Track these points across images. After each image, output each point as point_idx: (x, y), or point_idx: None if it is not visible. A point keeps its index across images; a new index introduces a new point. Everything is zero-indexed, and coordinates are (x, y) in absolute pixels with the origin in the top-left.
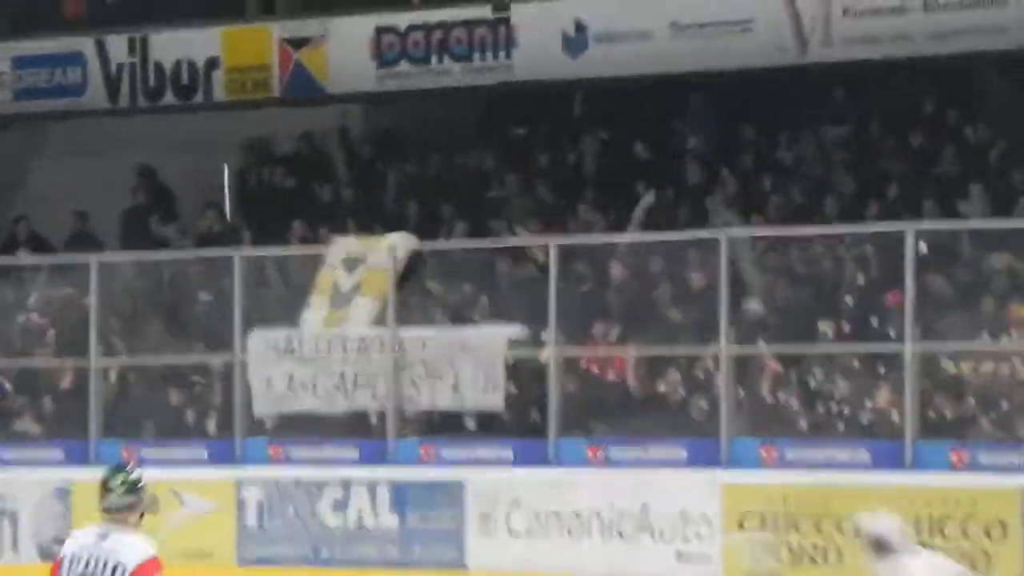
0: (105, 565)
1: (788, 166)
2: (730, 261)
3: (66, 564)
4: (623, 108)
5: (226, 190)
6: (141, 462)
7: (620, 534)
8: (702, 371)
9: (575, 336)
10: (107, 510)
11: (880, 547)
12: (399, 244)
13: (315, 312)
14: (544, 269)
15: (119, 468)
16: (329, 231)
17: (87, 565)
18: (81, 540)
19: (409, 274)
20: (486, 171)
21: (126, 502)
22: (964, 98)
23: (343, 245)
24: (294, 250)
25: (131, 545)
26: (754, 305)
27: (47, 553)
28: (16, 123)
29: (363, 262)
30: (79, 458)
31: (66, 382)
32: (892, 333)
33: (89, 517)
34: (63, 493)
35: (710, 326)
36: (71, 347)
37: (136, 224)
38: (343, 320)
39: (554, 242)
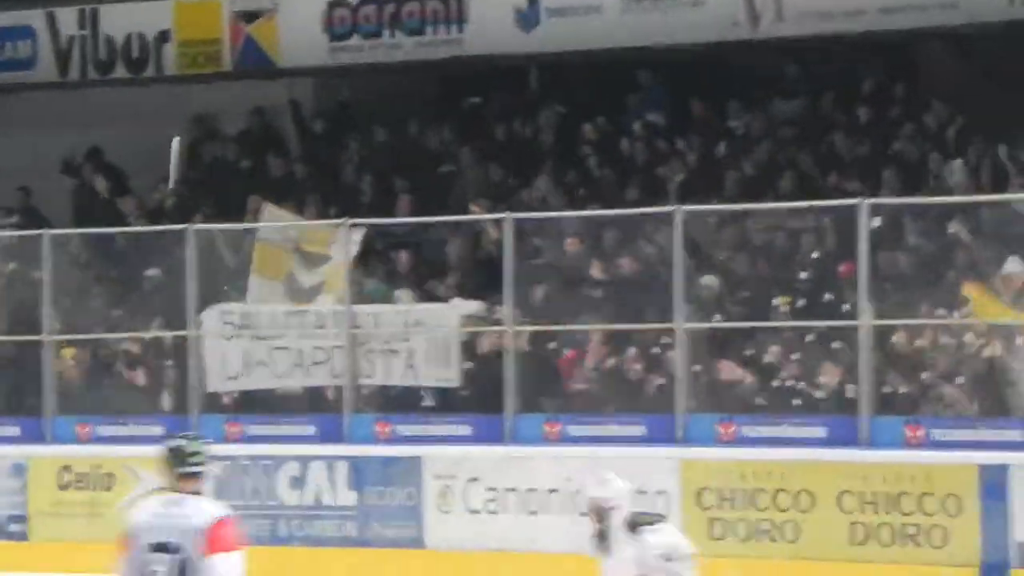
0: (179, 529)
1: (740, 141)
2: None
3: (138, 535)
4: (578, 82)
5: (172, 162)
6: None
7: (578, 511)
8: (659, 348)
9: (532, 312)
10: (184, 476)
11: (600, 518)
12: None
13: (266, 297)
14: (499, 244)
15: (194, 437)
16: (283, 206)
17: (160, 531)
18: (151, 509)
19: (365, 257)
20: (440, 145)
21: (202, 469)
22: (916, 74)
23: (275, 214)
24: (248, 225)
25: (202, 508)
26: (710, 281)
27: (2, 530)
28: None
29: (325, 261)
30: (34, 435)
31: (21, 359)
32: (847, 308)
33: (45, 494)
34: (19, 470)
35: (667, 302)
36: (22, 324)
37: (88, 200)
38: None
39: (509, 217)
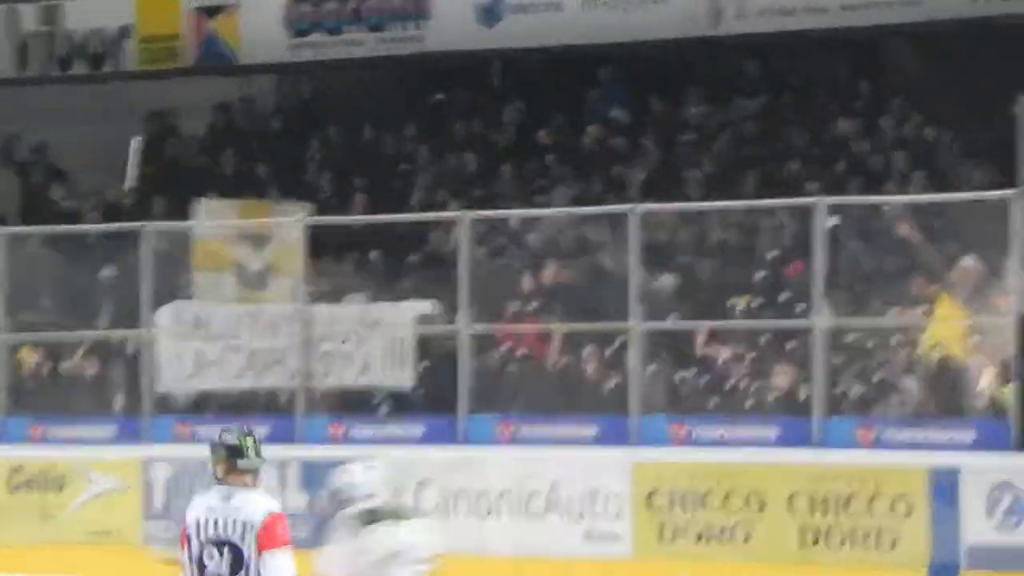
0: (235, 524)
1: (700, 139)
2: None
3: (194, 529)
4: (539, 79)
5: (130, 161)
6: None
7: (530, 512)
8: (614, 348)
9: (487, 312)
10: (240, 471)
11: (333, 506)
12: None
13: (217, 288)
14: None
15: (247, 433)
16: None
17: (216, 526)
18: (206, 503)
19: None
20: (401, 142)
21: (257, 464)
22: (880, 71)
23: (212, 208)
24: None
25: (256, 503)
26: (666, 281)
27: None
28: None
29: (270, 240)
30: None
31: None
32: (801, 309)
33: None
34: None
35: (623, 302)
36: None
37: (35, 198)
38: (261, 301)
39: (465, 216)
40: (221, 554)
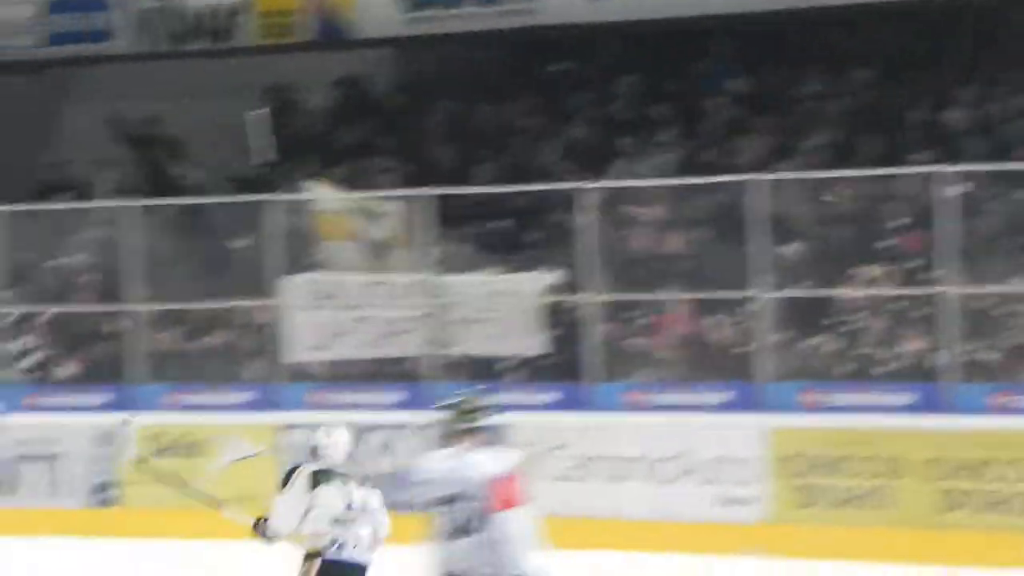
0: (466, 482)
1: (816, 108)
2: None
3: (426, 488)
4: (651, 51)
5: (256, 134)
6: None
7: (662, 478)
8: (742, 316)
9: (612, 281)
10: (467, 432)
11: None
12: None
13: (344, 258)
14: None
15: (476, 395)
16: (361, 177)
17: (449, 486)
18: (438, 464)
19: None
20: (518, 116)
21: (484, 424)
22: (1002, 39)
23: (324, 192)
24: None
25: (486, 462)
26: (792, 249)
27: (95, 499)
28: (47, 68)
29: (384, 215)
30: (124, 403)
31: (108, 327)
32: (932, 276)
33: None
34: (109, 437)
35: (752, 270)
36: (111, 293)
37: (157, 172)
38: (387, 270)
39: (593, 187)
40: (453, 513)
